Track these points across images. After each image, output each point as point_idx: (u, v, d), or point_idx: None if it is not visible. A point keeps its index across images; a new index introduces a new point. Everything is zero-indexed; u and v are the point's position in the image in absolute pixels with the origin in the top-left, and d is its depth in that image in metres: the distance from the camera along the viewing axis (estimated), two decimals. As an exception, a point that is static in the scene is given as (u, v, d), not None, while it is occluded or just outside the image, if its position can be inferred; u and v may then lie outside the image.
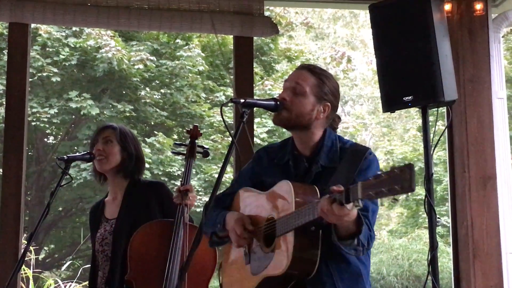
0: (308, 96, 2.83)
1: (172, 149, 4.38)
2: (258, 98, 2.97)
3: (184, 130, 14.67)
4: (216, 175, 14.44)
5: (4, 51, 12.13)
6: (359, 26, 21.34)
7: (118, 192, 3.79)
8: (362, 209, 2.58)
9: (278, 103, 2.77)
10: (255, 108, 2.87)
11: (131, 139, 3.80)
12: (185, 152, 3.84)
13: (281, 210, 2.72)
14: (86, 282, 6.11)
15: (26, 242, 4.04)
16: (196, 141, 3.86)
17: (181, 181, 3.68)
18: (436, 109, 4.27)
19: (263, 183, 2.93)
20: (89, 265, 3.82)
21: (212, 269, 3.57)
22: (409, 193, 2.10)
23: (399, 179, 2.13)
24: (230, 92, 13.80)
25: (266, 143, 13.71)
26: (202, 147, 3.86)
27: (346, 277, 2.78)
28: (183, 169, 3.87)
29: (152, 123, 14.02)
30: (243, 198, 2.99)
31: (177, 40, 14.01)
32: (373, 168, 2.78)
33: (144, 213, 3.65)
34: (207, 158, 3.87)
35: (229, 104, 2.83)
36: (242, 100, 2.70)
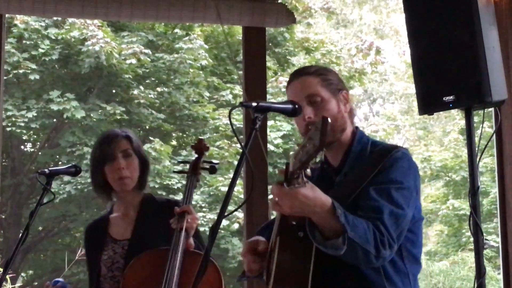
0: (327, 99, 2.89)
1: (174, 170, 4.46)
2: (272, 101, 2.96)
3: (184, 135, 14.66)
4: (223, 188, 14.47)
5: (-27, 45, 12.20)
6: (389, 10, 21.33)
7: (130, 209, 3.82)
8: (375, 211, 2.61)
9: (296, 106, 2.78)
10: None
11: (142, 146, 3.87)
12: (187, 170, 3.86)
13: None
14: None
15: (1, 270, 4.04)
16: (203, 156, 3.88)
17: (180, 203, 3.70)
18: (483, 109, 4.25)
19: None
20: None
21: None
22: (321, 151, 2.16)
23: (312, 137, 2.17)
24: (238, 90, 13.81)
25: (280, 150, 13.73)
26: (210, 162, 3.88)
27: None
28: (183, 182, 3.92)
29: (147, 127, 14.05)
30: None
31: (176, 30, 14.05)
32: (399, 165, 2.75)
33: (161, 236, 3.66)
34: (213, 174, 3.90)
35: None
36: (254, 104, 2.66)
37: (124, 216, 3.82)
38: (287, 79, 3.00)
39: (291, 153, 2.29)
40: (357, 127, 2.96)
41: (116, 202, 3.88)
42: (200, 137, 3.98)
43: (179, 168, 11.55)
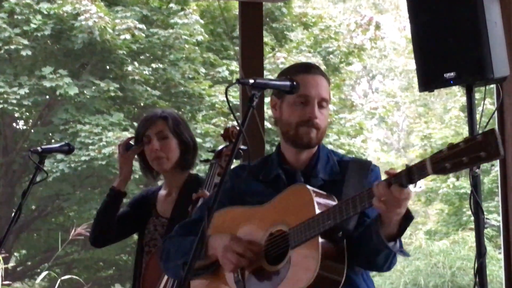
0: (328, 108, 3.00)
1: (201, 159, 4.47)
2: (270, 77, 2.98)
3: (180, 113, 14.70)
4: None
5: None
6: (389, -15, 21.27)
7: (174, 188, 3.89)
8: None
9: (294, 83, 2.79)
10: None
11: (183, 126, 3.89)
12: (211, 159, 3.89)
13: (295, 218, 2.74)
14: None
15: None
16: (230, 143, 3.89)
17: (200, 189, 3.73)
18: (484, 86, 4.25)
19: (245, 204, 2.97)
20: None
21: None
22: (495, 159, 2.31)
23: (483, 145, 2.27)
24: (234, 66, 13.79)
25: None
26: (238, 148, 3.89)
27: None
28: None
29: (142, 104, 14.05)
30: (224, 219, 2.98)
31: (171, 5, 14.01)
32: (380, 178, 2.92)
33: None
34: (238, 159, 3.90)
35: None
36: (251, 81, 2.68)
37: (168, 195, 3.90)
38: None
39: (435, 155, 2.41)
40: None
41: (164, 181, 3.97)
42: (228, 125, 3.99)
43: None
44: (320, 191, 2.80)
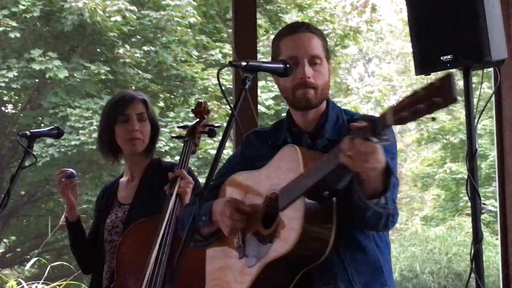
0: (324, 64, 2.94)
1: (172, 136, 4.53)
2: (263, 60, 2.97)
3: (172, 96, 14.65)
4: (212, 151, 14.53)
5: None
6: (385, -35, 21.21)
7: (136, 173, 3.89)
8: None
9: (287, 66, 2.79)
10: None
11: (154, 111, 3.94)
12: (184, 135, 3.89)
13: (284, 179, 2.76)
14: (55, 283, 6.19)
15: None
16: (204, 120, 3.91)
17: (175, 167, 3.73)
18: (481, 69, 4.26)
19: (254, 169, 2.99)
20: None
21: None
22: (450, 105, 2.18)
23: (440, 91, 2.18)
24: (227, 49, 13.78)
25: (272, 112, 13.73)
26: (210, 125, 3.91)
27: (363, 269, 2.83)
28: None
29: (133, 87, 14.02)
30: (231, 185, 3.03)
31: (163, -14, 13.98)
32: (390, 137, 2.86)
33: (163, 200, 3.66)
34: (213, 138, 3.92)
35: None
36: (243, 63, 2.69)
37: (130, 180, 3.90)
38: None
39: (396, 104, 2.29)
40: (329, 100, 3.05)
41: (125, 166, 3.96)
42: (200, 100, 4.00)
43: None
44: (311, 151, 2.80)
